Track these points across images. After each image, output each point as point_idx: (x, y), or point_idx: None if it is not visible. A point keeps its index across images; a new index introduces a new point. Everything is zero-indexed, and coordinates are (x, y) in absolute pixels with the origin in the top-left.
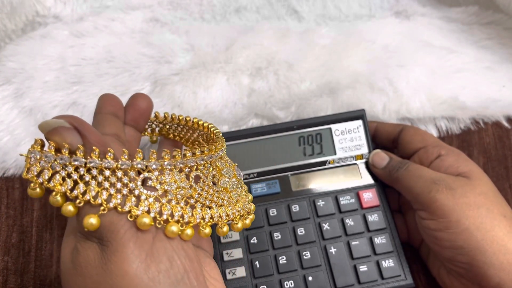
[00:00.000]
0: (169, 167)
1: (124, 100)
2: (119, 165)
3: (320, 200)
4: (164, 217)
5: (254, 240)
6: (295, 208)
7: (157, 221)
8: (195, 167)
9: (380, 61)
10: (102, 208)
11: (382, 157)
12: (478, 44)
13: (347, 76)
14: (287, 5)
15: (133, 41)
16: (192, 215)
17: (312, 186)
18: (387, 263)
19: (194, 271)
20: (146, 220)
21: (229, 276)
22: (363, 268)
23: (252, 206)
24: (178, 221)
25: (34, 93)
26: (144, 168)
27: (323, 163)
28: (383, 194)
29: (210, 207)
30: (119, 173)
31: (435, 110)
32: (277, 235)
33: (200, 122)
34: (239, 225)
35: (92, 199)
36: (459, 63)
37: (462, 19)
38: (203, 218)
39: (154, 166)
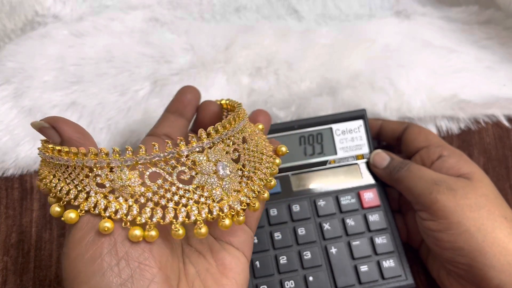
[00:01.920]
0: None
1: (123, 99)
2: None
3: (320, 200)
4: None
5: (254, 240)
6: (296, 208)
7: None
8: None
9: (380, 61)
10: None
11: (383, 157)
12: (478, 43)
13: (347, 76)
14: (287, 5)
15: (132, 41)
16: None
17: (313, 186)
18: (388, 263)
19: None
20: (108, 224)
21: None
22: (363, 268)
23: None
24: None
25: (34, 93)
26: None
27: (324, 163)
28: (384, 194)
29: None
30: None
31: (435, 108)
32: (277, 235)
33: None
34: (227, 221)
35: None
36: (460, 62)
37: (462, 19)
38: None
39: (142, 161)
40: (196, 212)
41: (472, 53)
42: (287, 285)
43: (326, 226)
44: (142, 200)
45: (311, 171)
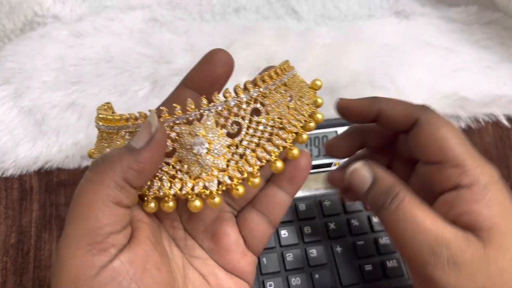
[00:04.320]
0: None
1: (123, 100)
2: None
3: (326, 200)
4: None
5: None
6: (302, 207)
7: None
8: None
9: (380, 60)
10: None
11: (362, 177)
12: (478, 43)
13: (347, 75)
14: (287, 5)
15: (132, 41)
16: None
17: (319, 186)
18: (391, 263)
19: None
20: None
21: None
22: (368, 267)
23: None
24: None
25: (33, 93)
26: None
27: (329, 164)
28: None
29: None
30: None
31: (436, 106)
32: (284, 233)
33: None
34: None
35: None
36: (459, 62)
37: (461, 19)
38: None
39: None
40: (167, 186)
41: (472, 53)
42: (293, 282)
43: (332, 225)
44: None
45: (316, 172)
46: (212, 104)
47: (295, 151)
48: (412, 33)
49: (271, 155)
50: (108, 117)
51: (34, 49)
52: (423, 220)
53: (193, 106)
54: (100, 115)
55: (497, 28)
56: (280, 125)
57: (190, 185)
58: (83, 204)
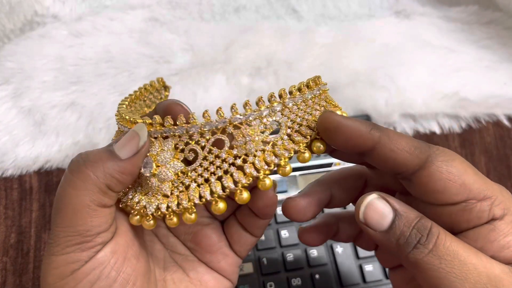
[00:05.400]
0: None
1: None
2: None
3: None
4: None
5: (262, 237)
6: None
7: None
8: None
9: (380, 60)
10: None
11: (381, 212)
12: (478, 43)
13: (347, 75)
14: (287, 5)
15: (132, 41)
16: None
17: None
18: None
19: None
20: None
21: None
22: (368, 267)
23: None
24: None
25: (33, 93)
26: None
27: (329, 165)
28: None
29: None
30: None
31: (437, 105)
32: (284, 233)
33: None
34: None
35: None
36: (459, 62)
37: (462, 19)
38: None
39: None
40: (136, 200)
41: (472, 53)
42: (294, 283)
43: None
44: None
45: (317, 172)
46: (179, 126)
47: (244, 195)
48: (412, 33)
49: (213, 193)
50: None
51: (34, 49)
52: (469, 258)
53: (183, 121)
54: (121, 111)
55: (497, 28)
56: (239, 164)
57: (136, 198)
58: (68, 208)
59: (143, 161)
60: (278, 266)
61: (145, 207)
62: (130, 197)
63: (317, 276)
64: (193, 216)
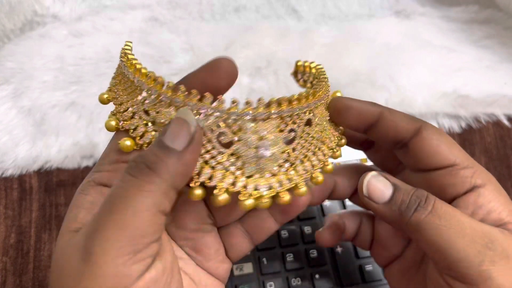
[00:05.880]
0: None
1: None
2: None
3: (326, 200)
4: None
5: None
6: None
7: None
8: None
9: (380, 60)
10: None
11: (382, 185)
12: (478, 43)
13: (347, 75)
14: (287, 5)
15: (132, 41)
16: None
17: None
18: None
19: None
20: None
21: (236, 272)
22: (368, 267)
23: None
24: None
25: (33, 93)
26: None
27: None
28: None
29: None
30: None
31: (437, 104)
32: (284, 233)
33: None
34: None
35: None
36: (459, 62)
37: (462, 19)
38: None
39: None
40: (220, 177)
41: (472, 53)
42: (294, 283)
43: None
44: None
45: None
46: (276, 107)
47: (320, 177)
48: (412, 32)
49: (314, 169)
50: (137, 65)
51: (34, 49)
52: (464, 217)
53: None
54: (129, 55)
55: (497, 28)
56: (321, 140)
57: (242, 183)
58: (127, 210)
59: (200, 148)
60: (278, 266)
61: (256, 188)
62: (219, 177)
63: (317, 276)
64: (303, 189)
